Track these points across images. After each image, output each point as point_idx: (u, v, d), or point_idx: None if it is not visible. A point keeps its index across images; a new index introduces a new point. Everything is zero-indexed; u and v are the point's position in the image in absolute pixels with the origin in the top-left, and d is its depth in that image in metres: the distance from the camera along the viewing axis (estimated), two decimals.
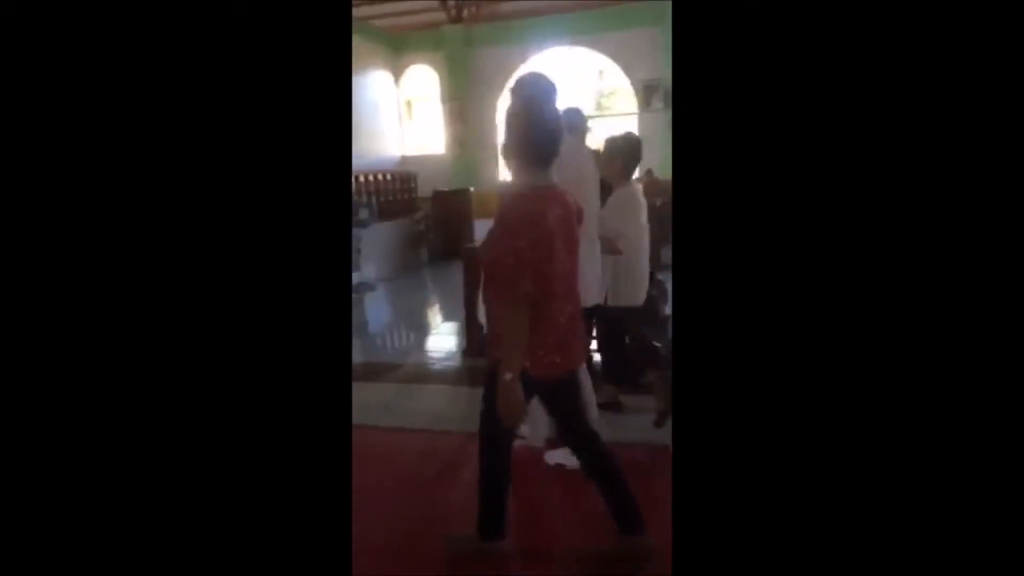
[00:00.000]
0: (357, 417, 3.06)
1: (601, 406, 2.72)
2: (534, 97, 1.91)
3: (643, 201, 2.88)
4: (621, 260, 2.71)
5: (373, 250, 7.17)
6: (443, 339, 5.15)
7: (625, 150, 2.81)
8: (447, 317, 5.76)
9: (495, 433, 1.81)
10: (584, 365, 2.17)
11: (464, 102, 10.16)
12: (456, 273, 5.19)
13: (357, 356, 4.66)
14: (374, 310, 6.25)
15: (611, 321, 2.77)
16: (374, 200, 7.81)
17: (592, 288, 2.43)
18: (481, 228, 5.99)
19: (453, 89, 10.33)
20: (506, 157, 1.78)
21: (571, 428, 1.91)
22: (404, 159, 10.67)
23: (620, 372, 2.97)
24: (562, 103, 2.14)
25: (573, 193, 1.91)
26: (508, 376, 1.61)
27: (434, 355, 4.70)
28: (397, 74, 10.97)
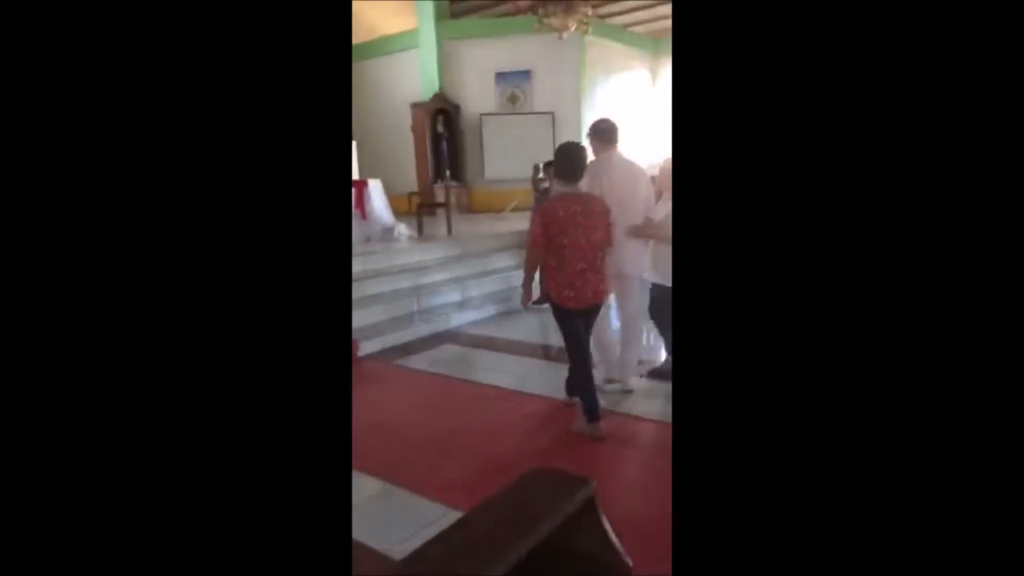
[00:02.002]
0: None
1: (656, 372, 3.70)
2: (570, 142, 2.99)
3: None
4: (662, 248, 3.42)
5: None
6: None
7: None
8: None
9: (574, 338, 2.93)
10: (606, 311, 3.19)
11: None
12: None
13: None
14: None
15: (656, 296, 3.54)
16: None
17: (632, 261, 3.34)
18: None
19: None
20: (552, 174, 3.14)
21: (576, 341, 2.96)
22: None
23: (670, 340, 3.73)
24: None
25: (628, 199, 3.14)
26: (522, 289, 3.02)
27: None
28: (655, 74, 11.41)
